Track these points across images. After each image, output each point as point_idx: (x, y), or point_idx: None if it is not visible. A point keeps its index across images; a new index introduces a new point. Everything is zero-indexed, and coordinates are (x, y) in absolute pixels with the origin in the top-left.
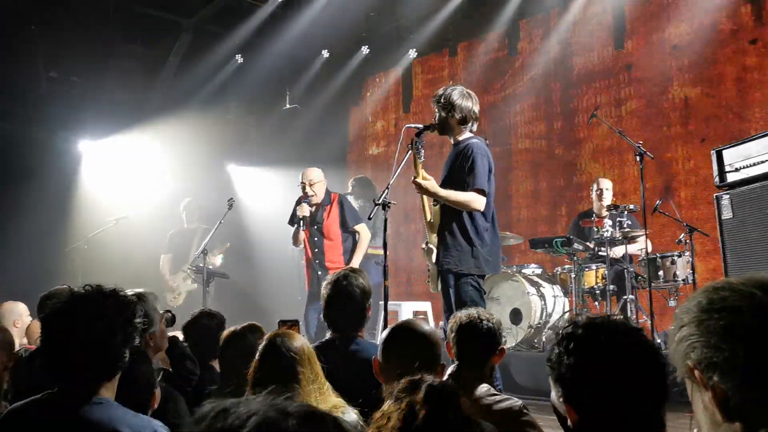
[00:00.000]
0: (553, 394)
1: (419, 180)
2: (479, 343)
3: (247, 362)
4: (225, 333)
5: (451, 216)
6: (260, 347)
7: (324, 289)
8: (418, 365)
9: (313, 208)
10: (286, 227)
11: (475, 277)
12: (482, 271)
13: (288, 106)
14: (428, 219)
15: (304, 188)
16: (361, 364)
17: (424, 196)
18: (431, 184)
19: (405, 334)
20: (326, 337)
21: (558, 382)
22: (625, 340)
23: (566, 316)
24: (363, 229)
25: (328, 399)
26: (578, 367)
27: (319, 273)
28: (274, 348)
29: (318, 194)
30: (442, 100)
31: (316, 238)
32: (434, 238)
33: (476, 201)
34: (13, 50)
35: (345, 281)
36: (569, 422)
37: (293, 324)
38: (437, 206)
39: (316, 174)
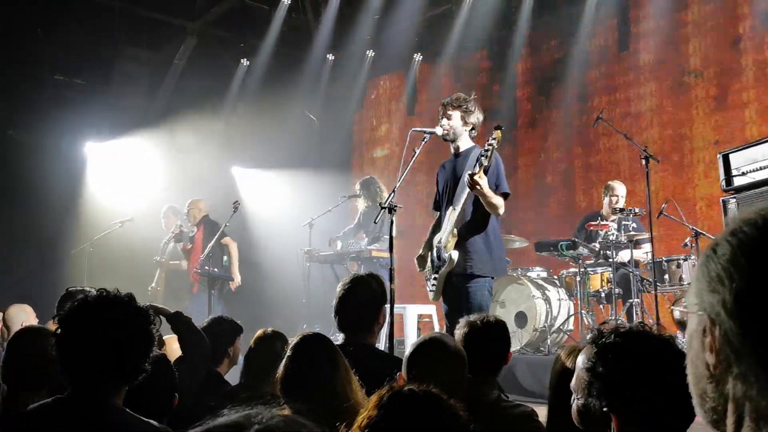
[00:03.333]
0: (581, 403)
1: (477, 178)
2: (494, 348)
3: (273, 365)
4: (258, 334)
5: (474, 221)
6: (292, 344)
7: (337, 293)
8: (445, 381)
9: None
10: (291, 229)
11: (491, 280)
12: (497, 273)
13: (309, 115)
14: (455, 235)
15: None
16: (367, 372)
17: (456, 212)
18: (485, 182)
19: (432, 351)
20: (337, 342)
21: (603, 392)
22: (669, 349)
23: (571, 319)
24: None
25: (359, 394)
26: (628, 376)
27: None
28: (309, 345)
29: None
30: (462, 105)
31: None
32: (453, 250)
33: (503, 206)
34: (19, 54)
35: (358, 285)
36: None
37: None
38: (460, 215)
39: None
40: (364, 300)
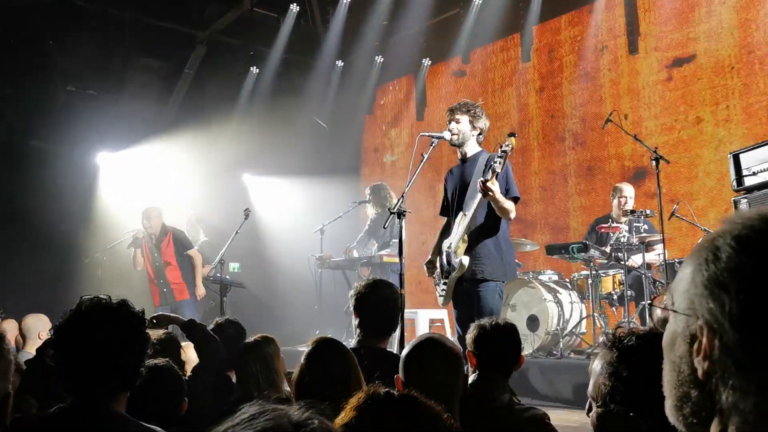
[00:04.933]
0: (600, 412)
1: (490, 184)
2: (504, 352)
3: (264, 372)
4: (241, 347)
5: (485, 226)
6: (306, 352)
7: (353, 299)
8: (444, 381)
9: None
10: (302, 236)
11: (501, 284)
12: (508, 278)
13: (319, 122)
14: (465, 241)
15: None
16: (380, 375)
17: (467, 218)
18: (497, 188)
19: (428, 351)
20: (352, 345)
21: (628, 396)
22: None
23: (584, 322)
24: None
25: None
26: (655, 377)
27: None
28: (321, 354)
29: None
30: (471, 110)
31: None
32: (464, 256)
33: (514, 210)
34: (31, 65)
35: (379, 289)
36: None
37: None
38: (469, 220)
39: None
40: (389, 304)
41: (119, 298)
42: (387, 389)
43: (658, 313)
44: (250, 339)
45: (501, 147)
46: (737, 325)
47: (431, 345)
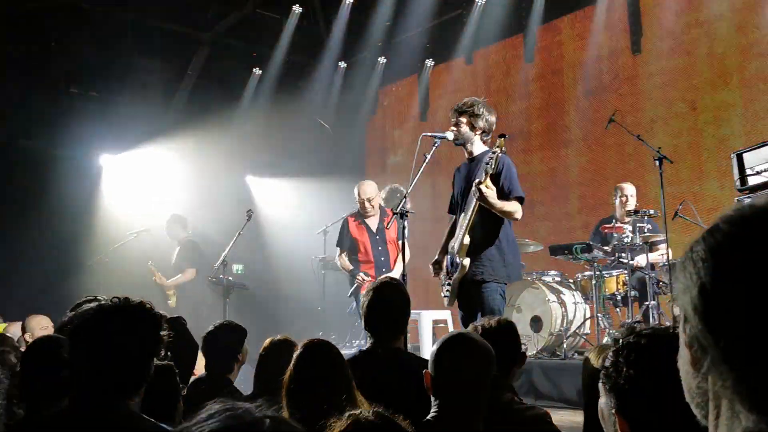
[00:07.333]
0: (603, 402)
1: (483, 187)
2: (500, 349)
3: (282, 374)
4: (265, 343)
5: (486, 227)
6: (296, 355)
7: (365, 297)
8: (474, 378)
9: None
10: (305, 237)
11: (504, 286)
12: (511, 279)
13: (322, 123)
14: (466, 242)
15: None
16: (400, 376)
17: (467, 219)
18: (492, 193)
19: (459, 346)
20: (366, 346)
21: (613, 392)
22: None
23: (587, 323)
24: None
25: (357, 400)
26: (638, 379)
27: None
28: (310, 356)
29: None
30: (468, 110)
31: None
32: (465, 257)
33: (519, 210)
34: (33, 67)
35: (387, 289)
36: None
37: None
38: (471, 221)
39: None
40: (397, 304)
41: (140, 299)
42: (369, 415)
43: (677, 310)
44: (274, 338)
45: (491, 149)
46: (696, 312)
47: (462, 340)
